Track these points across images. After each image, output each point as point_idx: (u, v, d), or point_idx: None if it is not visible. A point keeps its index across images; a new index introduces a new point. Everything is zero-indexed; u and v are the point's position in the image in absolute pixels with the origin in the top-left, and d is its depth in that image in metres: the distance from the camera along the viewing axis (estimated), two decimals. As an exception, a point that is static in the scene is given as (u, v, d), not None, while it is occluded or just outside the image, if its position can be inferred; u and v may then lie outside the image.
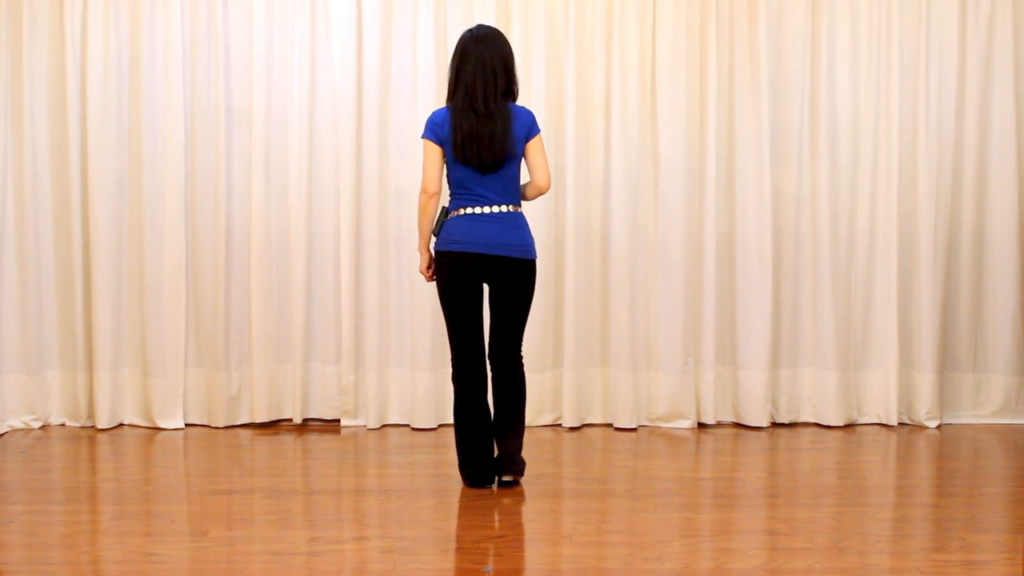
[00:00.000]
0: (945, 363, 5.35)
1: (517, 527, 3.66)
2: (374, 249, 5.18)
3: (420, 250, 4.07)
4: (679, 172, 5.20)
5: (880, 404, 5.32)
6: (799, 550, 3.32)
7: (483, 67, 3.93)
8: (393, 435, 5.09)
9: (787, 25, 5.26)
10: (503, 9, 5.19)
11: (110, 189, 5.13)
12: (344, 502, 4.01)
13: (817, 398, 5.30)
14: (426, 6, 5.16)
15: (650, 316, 5.25)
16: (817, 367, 5.30)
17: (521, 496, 3.96)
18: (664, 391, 5.24)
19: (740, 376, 5.27)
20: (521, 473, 4.05)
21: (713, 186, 5.20)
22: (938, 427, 5.28)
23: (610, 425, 5.25)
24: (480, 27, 4.04)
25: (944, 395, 5.35)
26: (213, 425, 5.20)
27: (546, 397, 5.26)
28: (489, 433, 4.05)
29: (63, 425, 5.20)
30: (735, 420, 5.32)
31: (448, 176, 4.03)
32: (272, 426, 5.25)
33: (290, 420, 5.26)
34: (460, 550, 3.38)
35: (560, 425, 5.25)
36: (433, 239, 4.03)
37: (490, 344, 4.08)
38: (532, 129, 3.99)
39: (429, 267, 4.07)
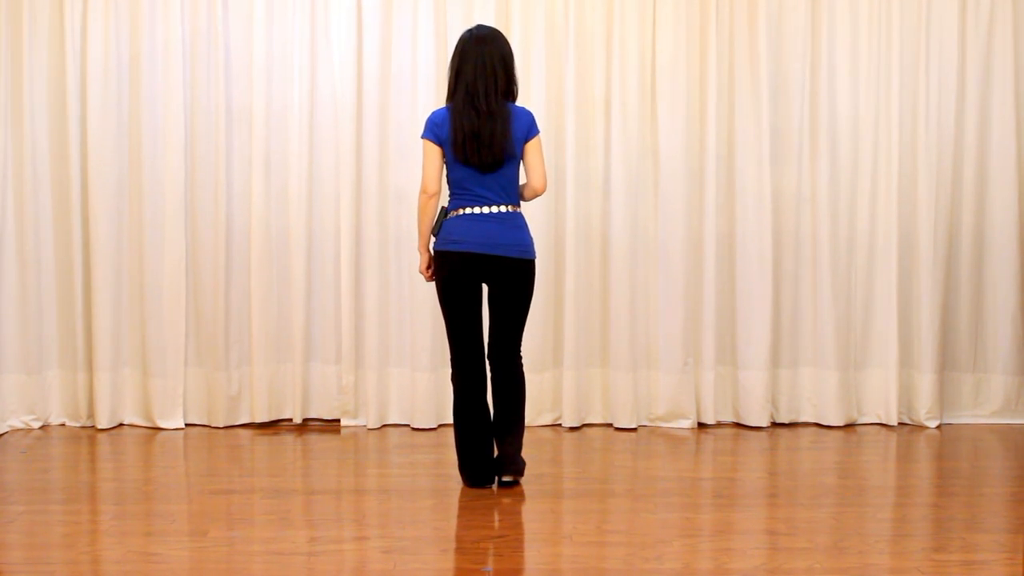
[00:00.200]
0: (945, 363, 5.35)
1: (517, 527, 3.66)
2: (374, 249, 5.18)
3: (420, 250, 4.08)
4: (679, 172, 5.20)
5: (880, 404, 5.32)
6: (799, 550, 3.32)
7: (483, 67, 3.93)
8: (393, 435, 5.09)
9: (787, 25, 5.26)
10: (503, 9, 5.19)
11: (110, 189, 5.13)
12: (344, 502, 4.01)
13: (817, 398, 5.30)
14: (426, 6, 5.16)
15: (650, 316, 5.25)
16: (817, 367, 5.30)
17: (521, 496, 3.96)
18: (664, 391, 5.24)
19: (740, 376, 5.27)
20: (521, 473, 4.05)
21: (713, 186, 5.20)
22: (938, 427, 5.28)
23: (610, 425, 5.25)
24: (480, 27, 4.05)
25: (944, 395, 5.35)
26: (213, 425, 5.20)
27: (546, 397, 5.26)
28: (489, 433, 4.05)
29: (63, 425, 5.20)
30: (735, 420, 5.32)
31: (447, 176, 4.03)
32: (272, 426, 5.25)
33: (290, 420, 5.27)
34: (460, 550, 3.38)
35: (560, 425, 5.25)
36: (432, 239, 4.03)
37: (489, 344, 4.08)
38: (531, 130, 3.99)
39: (429, 267, 4.07)
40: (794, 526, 3.60)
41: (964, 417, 5.40)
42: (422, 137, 4.00)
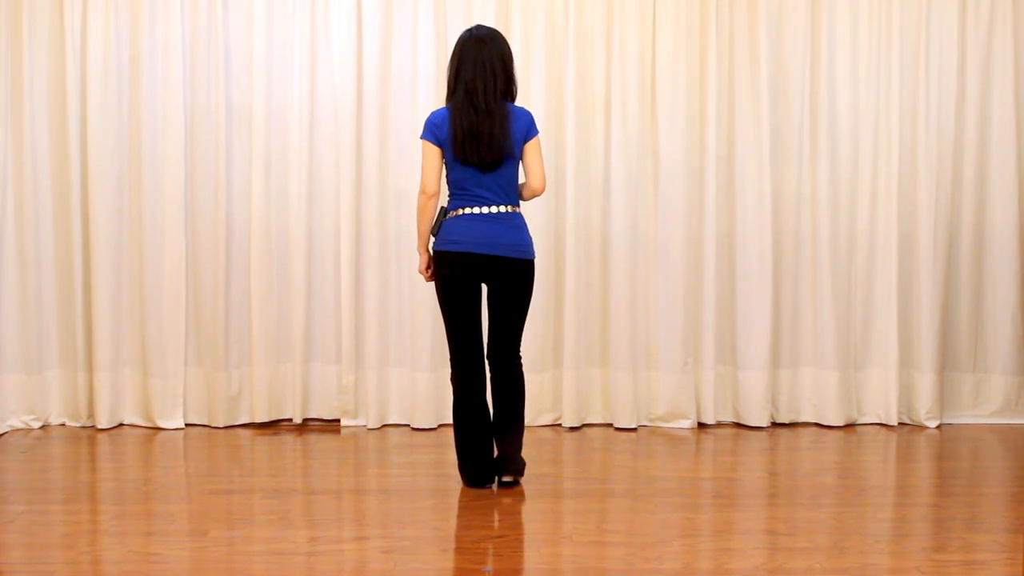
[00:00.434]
0: (945, 363, 5.35)
1: (517, 527, 3.66)
2: (374, 249, 5.18)
3: (419, 250, 4.08)
4: (679, 172, 5.20)
5: (880, 404, 5.32)
6: (799, 550, 3.32)
7: (482, 66, 3.93)
8: (393, 435, 5.09)
9: (787, 25, 5.26)
10: (503, 9, 5.19)
11: (110, 189, 5.13)
12: (344, 502, 4.01)
13: (817, 398, 5.30)
14: (426, 6, 5.16)
15: (650, 316, 5.25)
16: (817, 367, 5.30)
17: (521, 496, 3.96)
18: (664, 391, 5.24)
19: (740, 376, 5.27)
20: (521, 473, 4.05)
21: (713, 186, 5.20)
22: (938, 427, 5.28)
23: (610, 425, 5.25)
24: (479, 27, 4.05)
25: (944, 395, 5.35)
26: (213, 425, 5.20)
27: (546, 397, 5.26)
28: (489, 433, 4.05)
29: (63, 425, 5.20)
30: (735, 420, 5.32)
31: (447, 177, 4.03)
32: (272, 426, 5.25)
33: (290, 420, 5.27)
34: (460, 550, 3.38)
35: (560, 425, 5.25)
36: (432, 239, 4.03)
37: (489, 344, 4.08)
38: (530, 130, 3.99)
39: (428, 267, 4.07)
40: (794, 526, 3.60)
41: (964, 417, 5.40)
42: (421, 138, 4.00)
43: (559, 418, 5.27)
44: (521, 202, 4.07)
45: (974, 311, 5.39)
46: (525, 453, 4.16)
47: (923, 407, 5.28)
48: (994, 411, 5.40)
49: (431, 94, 5.14)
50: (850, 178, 5.30)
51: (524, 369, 4.16)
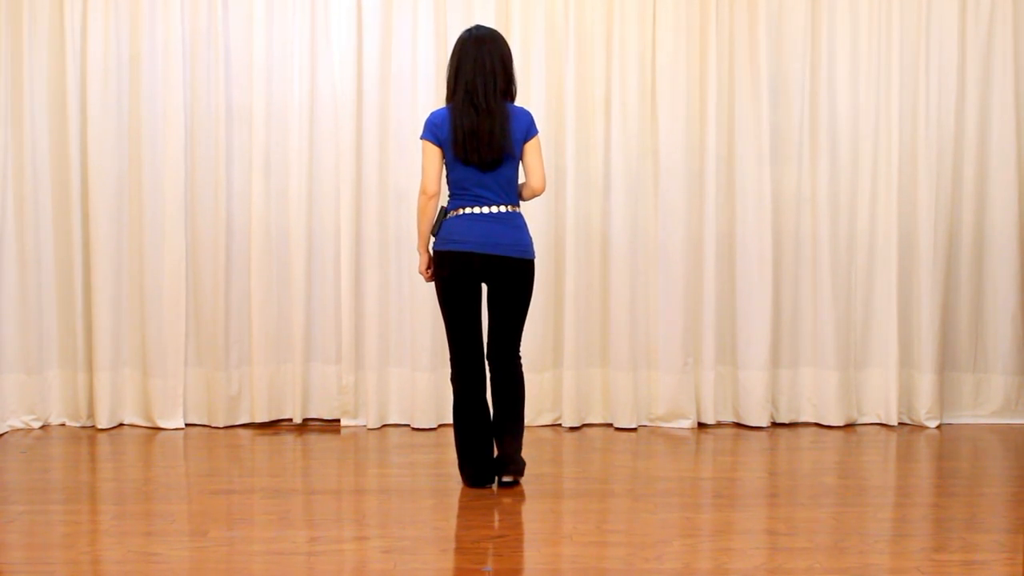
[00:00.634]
0: (945, 363, 5.35)
1: (517, 527, 3.66)
2: (374, 249, 5.18)
3: (419, 250, 4.08)
4: (679, 172, 5.20)
5: (880, 404, 5.32)
6: (799, 550, 3.32)
7: (482, 66, 3.93)
8: (393, 435, 5.09)
9: (787, 25, 5.26)
10: (503, 9, 5.19)
11: (110, 189, 5.13)
12: (344, 502, 4.01)
13: (817, 398, 5.30)
14: (426, 6, 5.16)
15: (650, 316, 5.25)
16: (817, 367, 5.30)
17: (521, 496, 3.96)
18: (664, 391, 5.24)
19: (740, 376, 5.27)
20: (521, 473, 4.05)
21: (713, 186, 5.20)
22: (938, 427, 5.28)
23: (610, 425, 5.25)
24: (479, 27, 4.05)
25: (944, 395, 5.35)
26: (213, 425, 5.20)
27: (546, 397, 5.26)
28: (489, 433, 4.05)
29: (63, 425, 5.20)
30: (735, 420, 5.32)
31: (447, 177, 4.03)
32: (272, 426, 5.25)
33: (290, 420, 5.27)
34: (460, 550, 3.38)
35: (560, 425, 5.25)
36: (432, 239, 4.03)
37: (488, 345, 4.08)
38: (530, 131, 3.99)
39: (428, 267, 4.07)
40: (794, 526, 3.60)
41: (964, 417, 5.40)
42: (421, 138, 4.00)
43: (559, 418, 5.27)
44: (521, 202, 4.08)
45: (974, 311, 5.39)
46: (525, 453, 4.16)
47: (923, 407, 5.28)
48: (994, 411, 5.40)
49: (431, 94, 5.14)
50: (850, 178, 5.30)
51: (524, 369, 4.16)
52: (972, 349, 5.41)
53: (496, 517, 3.72)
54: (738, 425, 5.30)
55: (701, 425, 5.27)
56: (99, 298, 5.11)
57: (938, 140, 5.26)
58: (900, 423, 5.31)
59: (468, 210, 3.95)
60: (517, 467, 4.03)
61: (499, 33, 4.04)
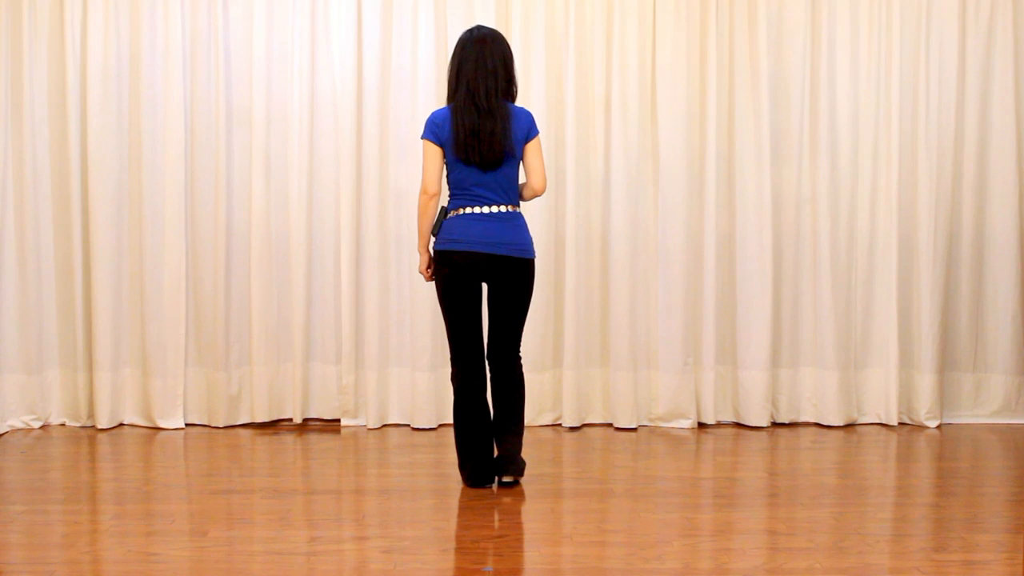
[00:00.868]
0: (945, 363, 5.34)
1: (517, 527, 3.66)
2: (374, 249, 5.18)
3: (420, 250, 4.08)
4: (679, 172, 5.20)
5: (880, 404, 5.32)
6: (799, 550, 3.32)
7: (484, 66, 3.93)
8: (393, 435, 5.09)
9: (787, 25, 5.26)
10: (503, 9, 5.19)
11: (110, 189, 5.13)
12: (344, 502, 4.01)
13: (817, 398, 5.30)
14: (426, 6, 5.16)
15: (650, 316, 5.25)
16: (817, 367, 5.29)
17: (521, 496, 3.96)
18: (664, 391, 5.24)
19: (740, 376, 5.27)
20: (521, 473, 4.05)
21: (713, 186, 5.20)
22: (938, 427, 5.28)
23: (610, 425, 5.25)
24: (480, 28, 4.05)
25: (944, 395, 5.35)
26: (213, 425, 5.20)
27: (546, 397, 5.26)
28: (489, 433, 4.05)
29: (63, 425, 5.20)
30: (735, 420, 5.32)
31: (448, 177, 4.03)
32: (272, 426, 5.25)
33: (290, 420, 5.26)
34: (460, 550, 3.38)
35: (560, 425, 5.25)
36: (432, 239, 4.03)
37: (488, 344, 4.08)
38: (531, 131, 3.99)
39: (429, 267, 4.07)
40: (794, 526, 3.60)
41: (964, 417, 5.40)
42: (422, 138, 4.00)
43: (559, 418, 5.27)
44: (521, 202, 4.08)
45: (974, 311, 5.38)
46: (525, 453, 4.16)
47: (923, 407, 5.28)
48: (994, 411, 5.40)
49: (431, 94, 5.14)
50: (850, 178, 5.30)
51: (524, 369, 4.16)
52: (972, 349, 5.41)
53: (496, 517, 3.72)
54: (738, 425, 5.30)
55: (701, 425, 5.26)
56: (99, 298, 5.11)
57: (938, 140, 5.26)
58: (900, 423, 5.30)
59: (468, 210, 3.95)
60: (517, 467, 4.04)
61: (500, 34, 4.05)
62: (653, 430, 5.19)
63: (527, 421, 4.99)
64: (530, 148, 4.00)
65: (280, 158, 5.19)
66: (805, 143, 5.27)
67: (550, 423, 5.27)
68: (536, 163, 4.01)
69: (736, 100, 5.24)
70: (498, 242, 3.93)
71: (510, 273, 3.97)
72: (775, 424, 5.30)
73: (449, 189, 4.04)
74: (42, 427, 5.16)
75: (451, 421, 4.24)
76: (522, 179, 4.10)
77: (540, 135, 4.08)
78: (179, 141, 5.12)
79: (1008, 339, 5.35)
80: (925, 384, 5.27)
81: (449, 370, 4.14)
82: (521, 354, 4.13)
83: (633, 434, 5.12)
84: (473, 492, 3.99)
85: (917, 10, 5.24)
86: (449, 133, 3.93)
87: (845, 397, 5.28)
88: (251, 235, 5.16)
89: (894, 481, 4.41)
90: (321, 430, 5.19)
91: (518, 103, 4.08)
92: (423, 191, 3.97)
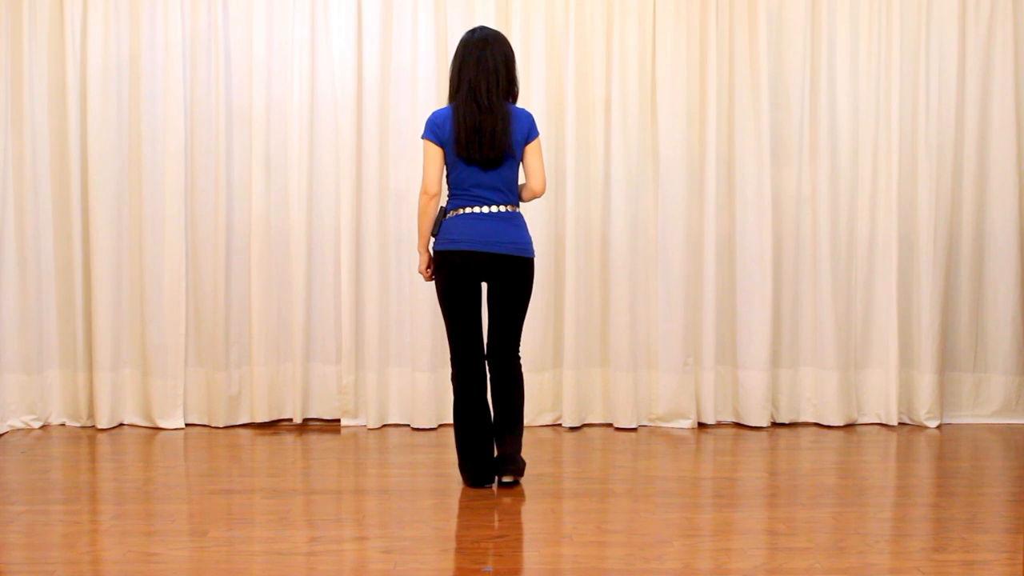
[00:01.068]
0: (945, 363, 5.35)
1: (517, 527, 3.66)
2: (374, 249, 5.18)
3: (419, 250, 4.08)
4: (679, 172, 5.20)
5: (880, 404, 5.32)
6: (799, 550, 3.32)
7: (486, 66, 3.94)
8: (393, 435, 5.09)
9: (787, 25, 5.26)
10: (503, 9, 5.19)
11: (110, 189, 5.13)
12: (344, 502, 4.01)
13: (817, 398, 5.30)
14: (426, 6, 5.16)
15: (650, 316, 5.25)
16: (817, 367, 5.29)
17: (521, 496, 3.96)
18: (664, 391, 5.24)
19: (740, 376, 5.27)
20: (521, 473, 4.05)
21: (713, 186, 5.20)
22: (938, 427, 5.28)
23: (610, 425, 5.25)
24: (482, 28, 4.05)
25: (944, 395, 5.35)
26: (213, 425, 5.20)
27: (546, 397, 5.26)
28: (489, 433, 4.05)
29: (63, 425, 5.20)
30: (735, 420, 5.32)
31: (448, 177, 4.03)
32: (272, 426, 5.25)
33: (290, 420, 5.27)
34: (460, 550, 3.38)
35: (560, 425, 5.25)
36: (432, 239, 4.03)
37: (488, 344, 4.08)
38: (531, 132, 3.99)
39: (428, 267, 4.07)
40: (794, 526, 3.60)
41: (964, 417, 5.40)
42: (423, 137, 4.00)
43: (559, 418, 5.27)
44: (520, 203, 4.08)
45: (974, 311, 5.39)
46: (525, 453, 4.17)
47: (923, 407, 5.28)
48: (994, 411, 5.40)
49: (431, 94, 5.14)
50: (850, 178, 5.30)
51: (524, 369, 4.17)
52: (972, 349, 5.41)
53: (496, 517, 3.72)
54: (738, 425, 5.30)
55: (701, 425, 5.26)
56: (99, 298, 5.11)
57: (938, 140, 5.26)
58: (900, 423, 5.31)
59: (468, 209, 3.95)
60: (517, 467, 4.04)
61: (503, 35, 4.05)
62: (653, 430, 5.19)
63: (527, 421, 5.00)
64: (530, 150, 4.00)
65: (280, 158, 5.20)
66: (805, 143, 5.27)
67: (550, 423, 5.28)
68: (536, 165, 4.01)
69: (736, 100, 5.24)
70: (497, 241, 3.93)
71: (510, 272, 3.97)
72: (775, 424, 5.31)
73: (448, 189, 4.04)
74: (42, 427, 5.16)
75: (451, 421, 4.24)
76: (521, 180, 4.10)
77: (540, 136, 4.08)
78: (179, 141, 5.12)
79: (1008, 339, 5.35)
80: (925, 384, 5.27)
81: (449, 370, 4.14)
82: (521, 354, 4.13)
83: (633, 434, 5.12)
84: (473, 492, 3.99)
85: (917, 10, 5.25)
86: (450, 132, 3.93)
87: (845, 397, 5.28)
88: (251, 235, 5.16)
89: (894, 481, 4.41)
90: (321, 430, 5.19)
91: (518, 104, 4.07)
92: (423, 191, 3.97)
